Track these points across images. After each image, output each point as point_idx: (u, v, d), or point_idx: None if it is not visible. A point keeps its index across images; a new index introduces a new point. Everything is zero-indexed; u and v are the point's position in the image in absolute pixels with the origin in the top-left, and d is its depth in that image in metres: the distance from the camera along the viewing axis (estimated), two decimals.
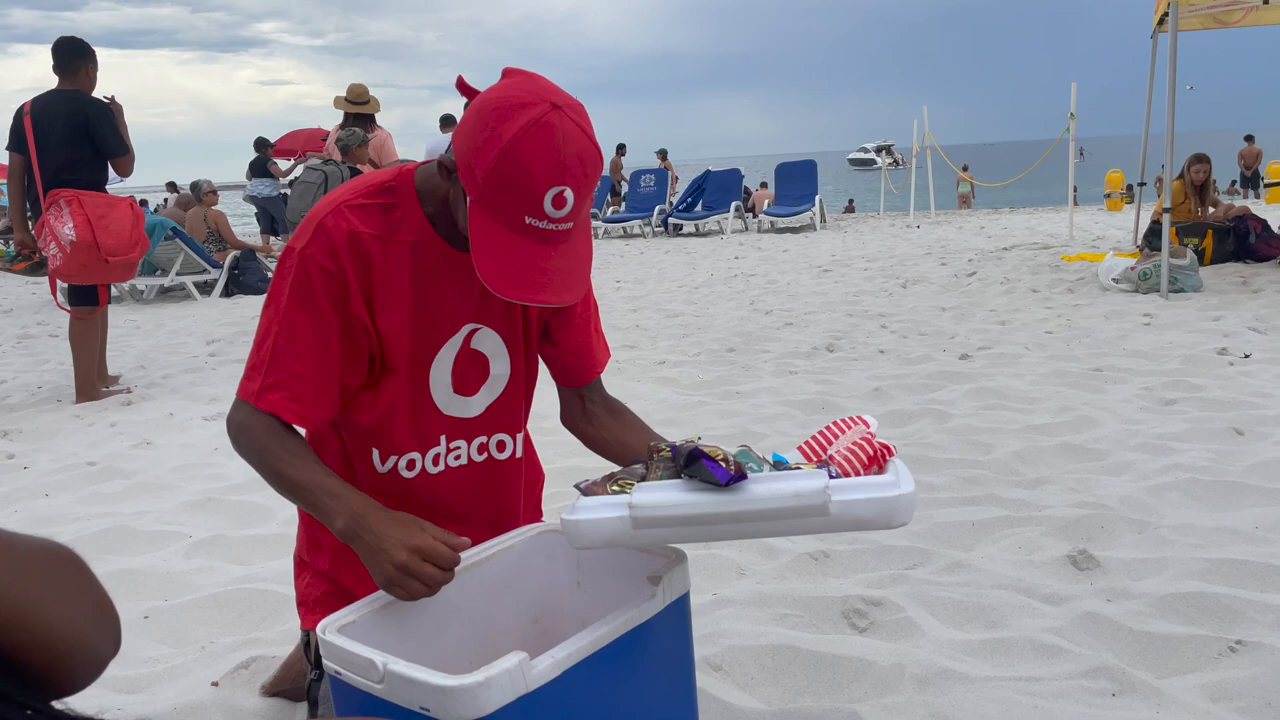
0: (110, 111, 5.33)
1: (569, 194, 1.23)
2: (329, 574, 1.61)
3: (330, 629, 1.28)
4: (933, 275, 9.28)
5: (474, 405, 1.56)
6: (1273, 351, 5.30)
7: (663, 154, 20.26)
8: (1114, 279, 7.74)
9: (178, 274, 10.46)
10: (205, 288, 10.84)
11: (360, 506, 1.33)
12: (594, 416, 1.68)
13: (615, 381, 5.07)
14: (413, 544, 1.26)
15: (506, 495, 1.66)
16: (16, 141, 5.28)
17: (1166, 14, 7.45)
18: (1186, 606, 2.50)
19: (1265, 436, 3.87)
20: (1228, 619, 2.43)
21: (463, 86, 1.43)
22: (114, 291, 11.02)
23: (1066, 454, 3.82)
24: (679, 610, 1.43)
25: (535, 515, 1.79)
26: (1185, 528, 3.03)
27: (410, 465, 1.53)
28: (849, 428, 1.39)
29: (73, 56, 5.27)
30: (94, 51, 5.41)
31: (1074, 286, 7.98)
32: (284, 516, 3.53)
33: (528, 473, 1.73)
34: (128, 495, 3.93)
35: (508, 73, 1.30)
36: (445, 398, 1.53)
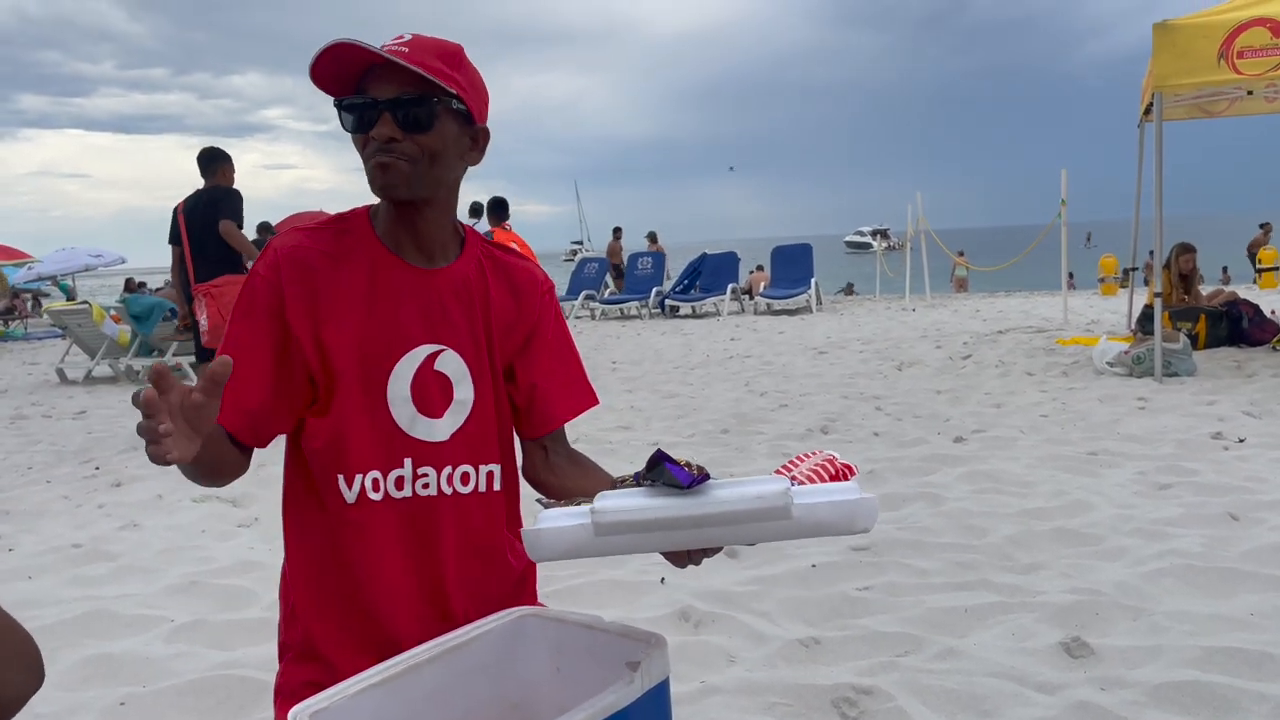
0: (237, 195, 6.51)
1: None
2: (303, 643, 1.58)
3: (302, 715, 1.26)
4: (928, 358, 9.35)
5: (440, 428, 1.52)
6: (1268, 436, 5.32)
7: (652, 236, 20.55)
8: (1108, 363, 7.80)
9: (174, 354, 10.52)
10: (202, 370, 10.88)
11: None
12: (556, 467, 1.66)
13: (607, 463, 5.05)
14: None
15: (489, 533, 1.59)
16: (174, 235, 6.63)
17: (1152, 103, 7.65)
18: (1182, 696, 2.47)
19: (1261, 522, 3.86)
20: (1223, 709, 2.41)
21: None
22: (109, 372, 11.07)
23: (1061, 539, 3.81)
24: (658, 697, 1.42)
25: (531, 583, 1.73)
26: (1180, 615, 3.01)
27: (375, 486, 1.48)
28: (813, 455, 1.41)
29: (210, 162, 6.62)
30: (229, 156, 6.70)
31: (1069, 370, 8.03)
32: (268, 600, 3.50)
33: (515, 521, 1.65)
34: (111, 578, 3.90)
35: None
36: (408, 417, 1.49)
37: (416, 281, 1.50)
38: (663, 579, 3.59)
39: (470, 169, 1.56)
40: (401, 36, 1.43)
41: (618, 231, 20.70)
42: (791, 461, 1.39)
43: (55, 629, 3.30)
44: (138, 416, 7.83)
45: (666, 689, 1.44)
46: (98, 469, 6.03)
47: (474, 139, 1.50)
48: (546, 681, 1.57)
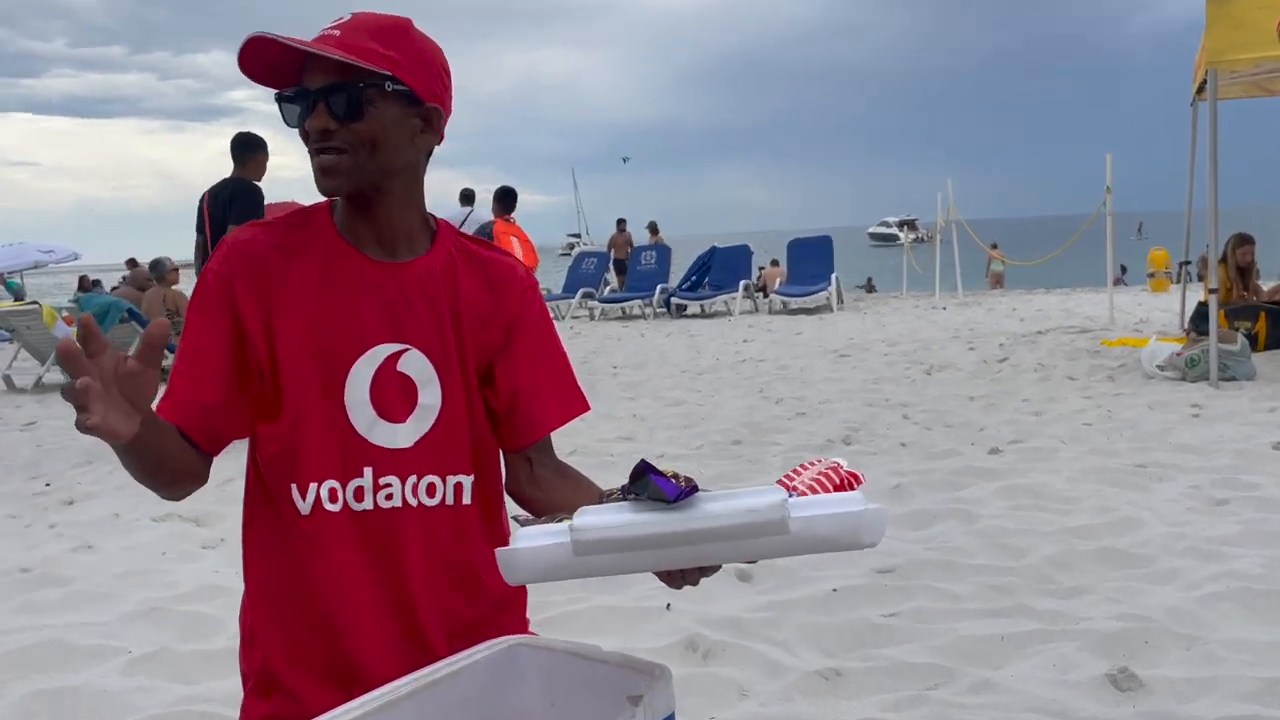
0: (259, 194, 6.68)
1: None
2: (262, 671, 1.58)
3: None
4: (960, 361, 9.34)
5: (402, 434, 1.51)
6: None
7: (653, 228, 20.55)
8: (1158, 366, 7.79)
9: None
10: (163, 374, 10.88)
11: None
12: (542, 481, 1.66)
13: (606, 478, 5.04)
14: None
15: (460, 550, 1.58)
16: (199, 224, 6.88)
17: (1205, 81, 7.64)
18: None
19: None
20: None
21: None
22: (61, 379, 11.06)
23: (1106, 560, 3.80)
24: None
25: (517, 607, 1.72)
26: (1238, 643, 3.00)
27: (332, 497, 1.49)
28: (816, 464, 1.41)
29: (244, 150, 6.77)
30: (265, 144, 6.83)
31: (1115, 374, 8.03)
32: (234, 629, 3.49)
33: (493, 539, 1.63)
34: (65, 605, 3.90)
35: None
36: (367, 421, 1.50)
37: (377, 275, 1.51)
38: (668, 605, 3.58)
39: (438, 151, 1.57)
40: (341, 17, 1.46)
41: (622, 223, 20.66)
42: (793, 471, 1.39)
43: (3, 660, 3.31)
44: None
45: None
46: (48, 485, 6.04)
47: (425, 119, 1.50)
48: (539, 717, 1.56)
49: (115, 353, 1.20)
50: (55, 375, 11.08)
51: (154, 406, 1.44)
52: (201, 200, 6.93)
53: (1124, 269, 24.14)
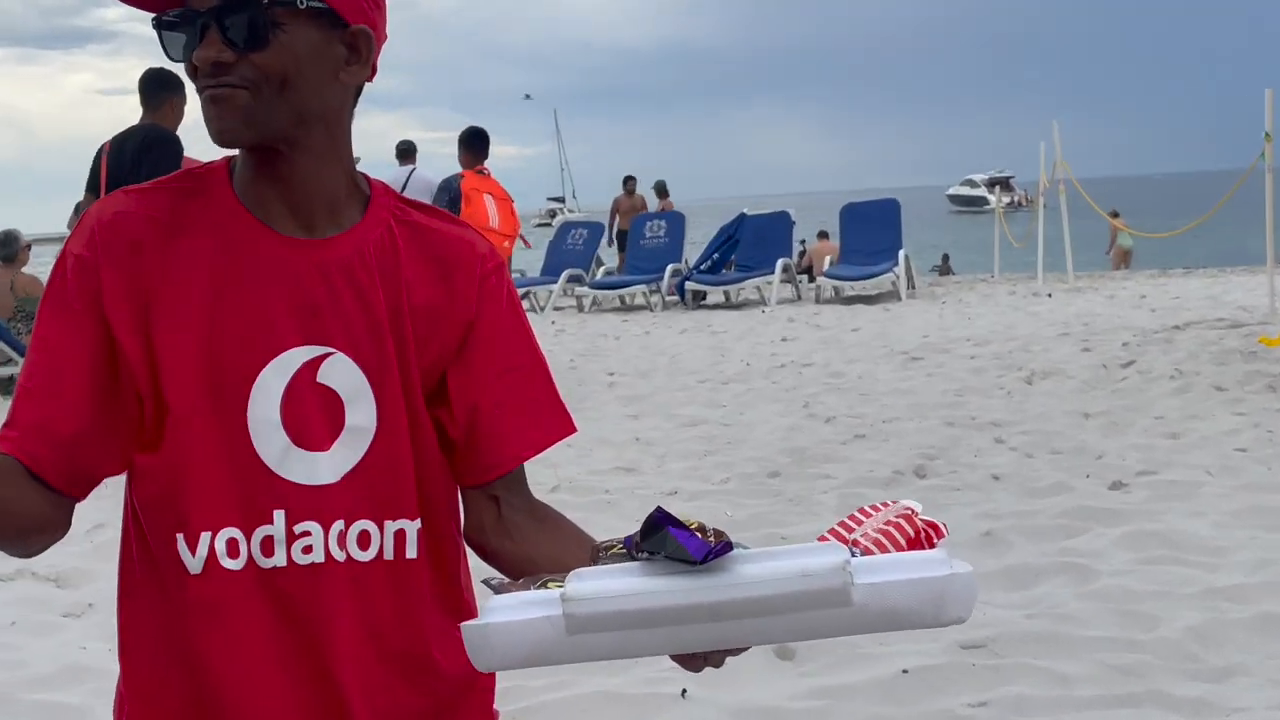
0: (178, 145, 6.75)
1: None
2: None
3: None
4: (1071, 366, 9.33)
5: (324, 466, 1.50)
6: None
7: (661, 189, 20.50)
8: None
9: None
10: (9, 384, 10.91)
11: None
12: (512, 527, 1.62)
13: (601, 520, 5.05)
14: None
15: (403, 620, 1.55)
16: (92, 182, 6.92)
17: None
18: None
19: None
20: None
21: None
22: None
23: (1268, 630, 3.80)
24: None
25: (480, 695, 1.71)
26: None
27: (232, 550, 1.46)
28: (882, 509, 1.39)
29: (155, 89, 6.89)
30: (183, 85, 6.62)
31: (1277, 384, 8.01)
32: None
33: (449, 604, 1.62)
34: None
35: None
36: (278, 450, 1.48)
37: (289, 257, 1.50)
38: (684, 691, 3.58)
39: (370, 89, 1.57)
40: None
41: (630, 183, 20.56)
42: (850, 520, 1.37)
43: None
44: None
45: None
46: None
47: (350, 46, 1.48)
48: None
49: None
50: None
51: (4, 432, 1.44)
52: (99, 154, 6.95)
53: None
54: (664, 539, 1.20)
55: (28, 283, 11.49)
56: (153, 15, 1.46)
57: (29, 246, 11.95)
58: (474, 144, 9.84)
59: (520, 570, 1.51)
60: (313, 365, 1.49)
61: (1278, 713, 3.19)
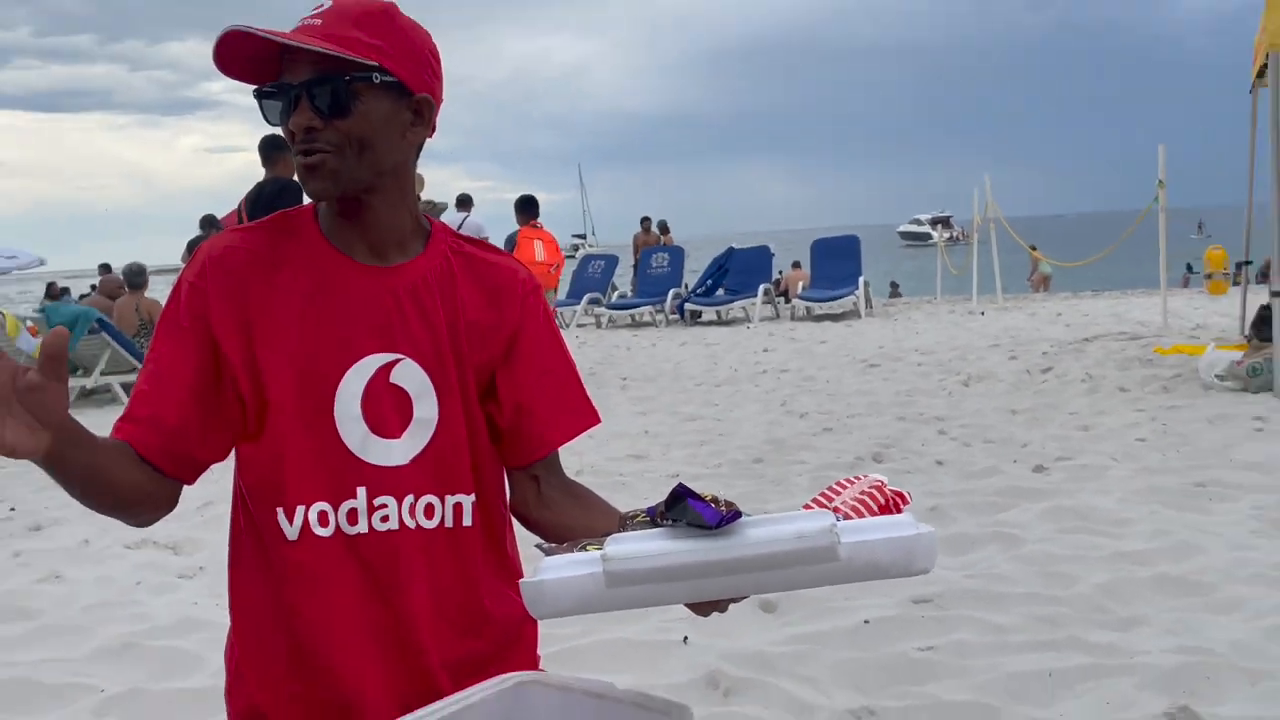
0: (297, 190, 6.91)
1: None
2: (248, 713, 1.57)
3: None
4: (1000, 371, 9.33)
5: (397, 451, 1.52)
6: None
7: (663, 227, 20.55)
8: (1217, 375, 7.76)
9: (102, 373, 10.57)
10: (131, 389, 10.92)
11: None
12: (551, 502, 1.65)
13: (617, 498, 5.03)
14: None
15: (462, 576, 1.58)
16: (211, 221, 7.46)
17: (1266, 66, 7.62)
18: None
19: None
20: None
21: None
22: None
23: (1164, 588, 3.79)
24: None
25: (526, 642, 1.71)
26: None
27: (323, 520, 1.49)
28: (856, 482, 1.41)
29: (271, 150, 7.33)
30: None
31: (1170, 384, 8.00)
32: (215, 665, 3.49)
33: (497, 566, 1.65)
34: (31, 640, 3.91)
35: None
36: (359, 438, 1.50)
37: (367, 282, 1.52)
38: (685, 638, 3.58)
39: (433, 145, 1.60)
40: (321, 4, 1.46)
41: (646, 222, 20.76)
42: (830, 490, 1.39)
43: None
44: None
45: None
46: (13, 510, 6.06)
47: (415, 111, 1.51)
48: None
49: (13, 364, 1.19)
50: None
51: (118, 423, 1.46)
52: (240, 206, 7.46)
53: (1190, 268, 23.98)
54: (685, 508, 1.23)
55: (150, 305, 11.58)
56: (254, 87, 1.48)
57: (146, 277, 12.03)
58: (525, 208, 10.91)
59: (559, 536, 1.54)
60: (386, 369, 1.52)
61: (1172, 655, 3.18)
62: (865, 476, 1.42)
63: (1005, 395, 8.11)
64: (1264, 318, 8.80)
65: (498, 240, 11.01)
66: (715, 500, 1.24)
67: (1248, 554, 4.08)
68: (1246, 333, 9.44)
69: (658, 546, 1.23)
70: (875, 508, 1.33)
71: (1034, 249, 20.33)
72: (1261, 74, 8.39)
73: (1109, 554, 4.18)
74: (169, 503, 1.51)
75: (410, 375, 1.53)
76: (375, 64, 1.43)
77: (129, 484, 1.44)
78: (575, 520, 1.61)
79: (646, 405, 8.73)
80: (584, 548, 1.28)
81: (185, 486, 1.53)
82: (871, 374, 9.76)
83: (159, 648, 3.73)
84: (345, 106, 1.43)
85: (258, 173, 7.63)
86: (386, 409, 1.52)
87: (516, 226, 11.03)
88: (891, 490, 1.36)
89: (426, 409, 1.54)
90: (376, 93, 1.45)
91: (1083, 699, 2.98)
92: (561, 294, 19.17)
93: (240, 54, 1.43)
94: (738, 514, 1.23)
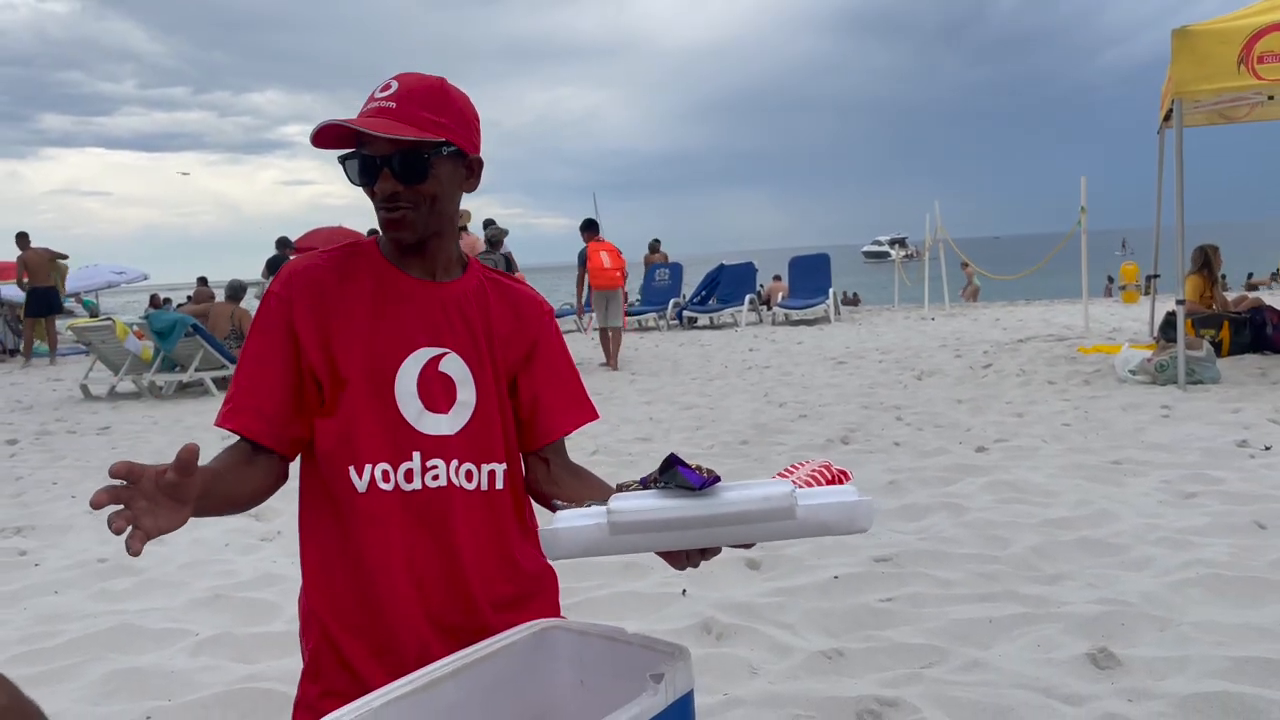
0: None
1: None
2: (319, 648, 1.58)
3: None
4: (948, 367, 9.30)
5: (445, 424, 1.58)
6: None
7: (653, 246, 20.49)
8: (1131, 371, 7.73)
9: (196, 370, 10.60)
10: (224, 383, 10.96)
11: None
12: (558, 479, 1.71)
13: (627, 474, 5.06)
14: None
15: (497, 529, 1.63)
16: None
17: (1172, 110, 7.60)
18: (1210, 707, 2.44)
19: None
20: None
21: None
22: (132, 388, 11.17)
23: (1086, 549, 3.77)
24: (683, 709, 1.42)
25: (550, 592, 1.74)
26: (1208, 625, 2.97)
27: (385, 477, 1.54)
28: (809, 463, 1.48)
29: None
30: None
31: (1091, 378, 7.97)
32: (290, 613, 3.51)
33: (521, 527, 1.69)
34: (136, 592, 3.92)
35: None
36: (415, 411, 1.56)
37: (420, 292, 1.60)
38: (684, 590, 3.57)
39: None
40: (389, 86, 1.51)
41: (655, 243, 20.66)
42: (789, 469, 1.47)
43: (81, 643, 3.33)
44: (162, 431, 7.89)
45: (691, 701, 1.44)
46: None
47: (469, 168, 1.59)
48: (570, 694, 1.56)
49: (154, 471, 1.25)
50: (127, 384, 11.16)
51: (224, 411, 1.53)
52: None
53: (1111, 279, 24.05)
54: (674, 474, 1.30)
55: (242, 315, 11.59)
56: (339, 153, 1.55)
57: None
58: (589, 227, 11.64)
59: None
60: (436, 359, 1.59)
61: (1093, 606, 3.17)
62: (815, 459, 1.49)
63: (952, 387, 8.08)
64: (1170, 322, 8.79)
65: (566, 256, 11.48)
66: (699, 468, 1.30)
67: (1156, 520, 4.07)
68: (1155, 335, 9.42)
69: (652, 503, 1.29)
70: (824, 481, 1.40)
71: (965, 265, 20.29)
72: (1168, 117, 8.36)
73: (1039, 520, 4.16)
74: (284, 476, 1.59)
75: (455, 366, 1.60)
76: (443, 140, 1.50)
77: (248, 493, 1.53)
78: (578, 494, 1.68)
79: (651, 396, 8.71)
80: (590, 505, 1.33)
81: (289, 463, 1.59)
82: (840, 370, 9.73)
83: (243, 599, 3.73)
84: (423, 174, 1.51)
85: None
86: (436, 390, 1.58)
87: (584, 244, 11.64)
88: (837, 468, 1.43)
89: (467, 394, 1.60)
90: (443, 160, 1.53)
91: (1017, 642, 2.97)
92: (633, 297, 19.04)
93: (329, 131, 1.49)
94: (717, 479, 1.29)
